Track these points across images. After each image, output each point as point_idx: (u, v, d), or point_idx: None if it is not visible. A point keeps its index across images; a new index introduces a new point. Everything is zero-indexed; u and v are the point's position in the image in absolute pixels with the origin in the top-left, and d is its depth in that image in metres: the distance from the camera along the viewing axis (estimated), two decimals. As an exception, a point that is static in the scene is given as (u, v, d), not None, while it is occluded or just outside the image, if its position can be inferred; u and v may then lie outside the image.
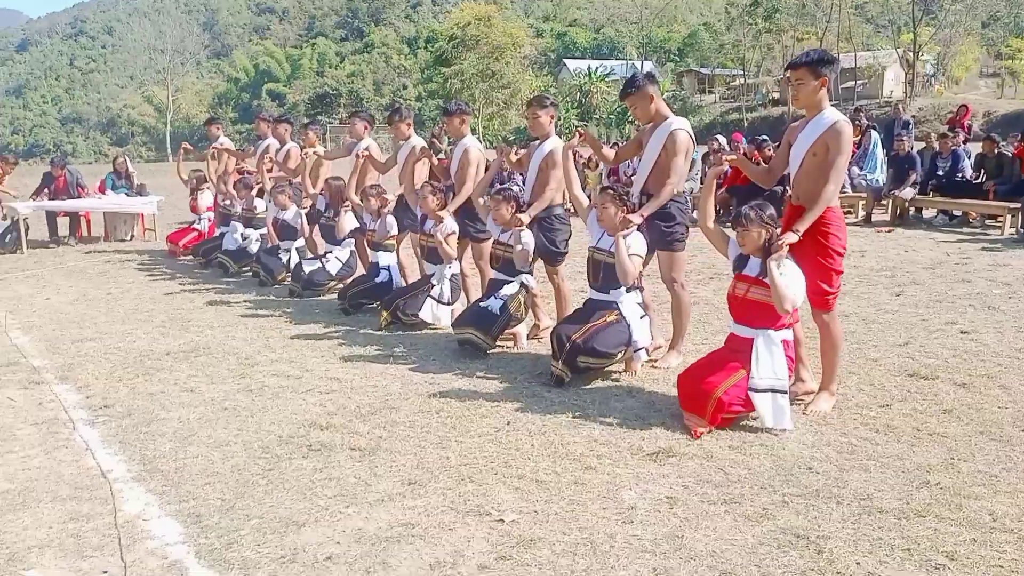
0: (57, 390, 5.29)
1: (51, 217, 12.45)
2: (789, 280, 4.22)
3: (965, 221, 11.88)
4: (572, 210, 6.13)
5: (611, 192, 5.24)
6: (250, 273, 9.36)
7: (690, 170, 9.70)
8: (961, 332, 6.07)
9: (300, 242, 9.01)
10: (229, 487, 3.79)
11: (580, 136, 5.51)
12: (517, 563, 3.06)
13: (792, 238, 4.25)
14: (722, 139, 14.84)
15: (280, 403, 4.94)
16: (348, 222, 8.15)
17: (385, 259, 7.40)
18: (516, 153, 6.66)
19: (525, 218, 5.80)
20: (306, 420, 4.63)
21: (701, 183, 13.93)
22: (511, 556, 3.10)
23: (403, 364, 5.71)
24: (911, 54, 51.00)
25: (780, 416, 4.28)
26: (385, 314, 6.71)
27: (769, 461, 3.91)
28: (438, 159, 8.03)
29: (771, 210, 4.39)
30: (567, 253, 6.18)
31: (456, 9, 71.33)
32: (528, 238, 5.82)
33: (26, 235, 11.70)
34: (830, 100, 4.60)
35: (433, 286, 6.71)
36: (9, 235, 11.57)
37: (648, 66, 63.97)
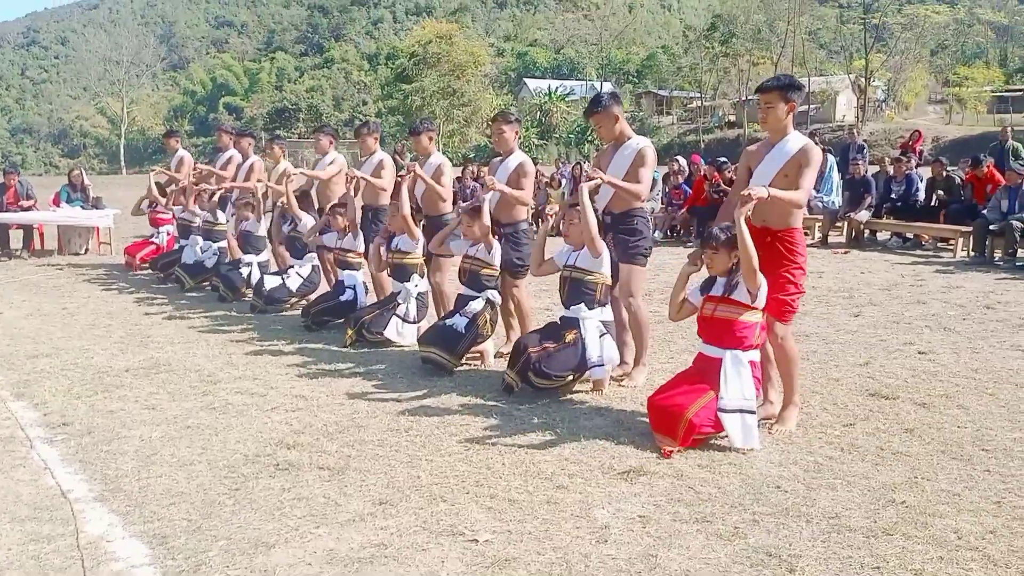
0: (13, 407, 5.15)
1: (3, 230, 12.15)
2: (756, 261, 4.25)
3: (918, 244, 12.17)
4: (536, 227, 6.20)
5: (578, 209, 5.28)
6: (209, 287, 9.22)
7: (651, 190, 9.81)
8: (919, 352, 6.20)
9: (263, 256, 8.91)
10: (195, 507, 3.71)
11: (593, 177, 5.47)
12: (492, 584, 3.04)
13: (762, 192, 4.22)
14: (682, 160, 15.05)
15: (245, 421, 4.87)
16: (306, 217, 8.12)
17: (351, 277, 7.35)
18: (479, 170, 6.72)
19: (496, 183, 5.82)
20: (272, 439, 4.56)
21: (660, 203, 14.11)
22: (486, 576, 3.09)
23: (369, 381, 5.66)
24: (863, 80, 52.35)
25: (749, 436, 4.33)
26: (350, 332, 6.65)
27: (738, 480, 3.94)
28: (400, 175, 8.00)
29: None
30: (527, 268, 6.21)
31: (417, 27, 71.64)
32: (496, 247, 5.89)
33: (-23, 248, 11.41)
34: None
35: (399, 304, 6.68)
36: (-41, 248, 11.27)
37: (607, 87, 64.70)
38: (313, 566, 3.18)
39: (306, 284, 8.20)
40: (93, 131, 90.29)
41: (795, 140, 4.57)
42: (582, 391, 5.32)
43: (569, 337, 5.18)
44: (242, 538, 3.41)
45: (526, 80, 76.22)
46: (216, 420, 4.89)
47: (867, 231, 12.43)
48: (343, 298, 7.26)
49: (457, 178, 14.04)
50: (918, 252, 11.75)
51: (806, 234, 12.99)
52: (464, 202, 10.20)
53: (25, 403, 5.24)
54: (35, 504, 3.77)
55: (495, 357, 6.17)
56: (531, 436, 4.55)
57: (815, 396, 5.16)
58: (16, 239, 12.38)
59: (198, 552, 3.29)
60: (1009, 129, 15.35)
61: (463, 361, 5.93)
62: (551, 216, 5.63)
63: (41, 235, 12.90)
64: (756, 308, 4.40)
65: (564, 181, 15.81)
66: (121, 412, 5.04)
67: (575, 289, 5.29)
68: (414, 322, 6.69)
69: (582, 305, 5.23)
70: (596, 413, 4.95)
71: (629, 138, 5.52)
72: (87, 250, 12.79)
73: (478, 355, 6.09)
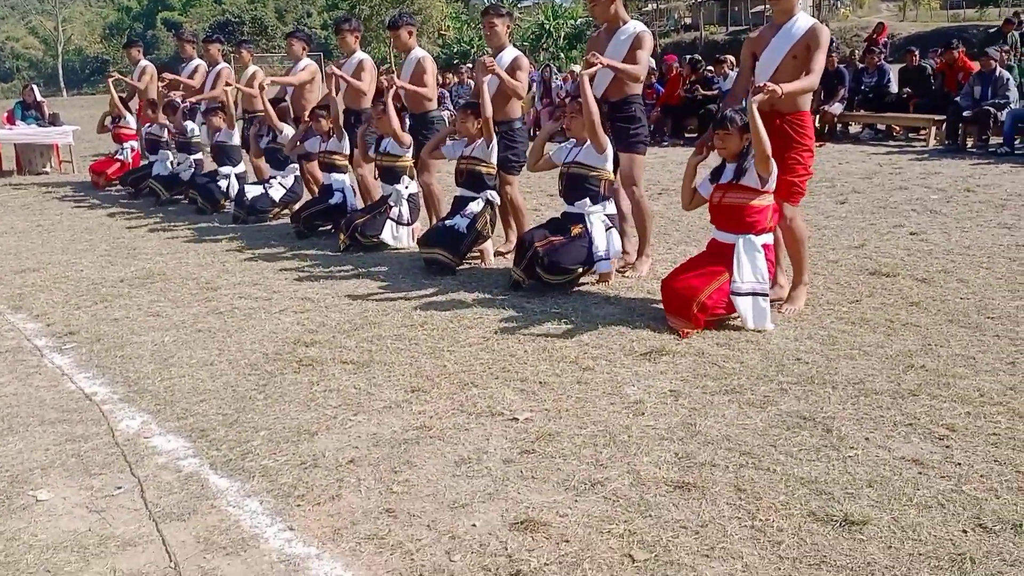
0: (12, 319, 5.03)
1: (-43, 151, 11.68)
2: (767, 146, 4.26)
3: (890, 135, 12.28)
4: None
5: (579, 103, 5.20)
6: (185, 200, 9.01)
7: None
8: (910, 234, 6.32)
9: (239, 167, 8.69)
10: (227, 403, 3.70)
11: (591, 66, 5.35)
12: (542, 456, 3.09)
13: (776, 88, 4.20)
14: (652, 60, 14.85)
15: (255, 323, 4.82)
16: (286, 129, 7.89)
17: (339, 180, 7.21)
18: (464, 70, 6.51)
19: (496, 67, 5.70)
20: (288, 338, 4.53)
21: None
22: (534, 450, 3.14)
23: (374, 282, 5.62)
24: (818, -22, 51.78)
25: (760, 318, 4.39)
26: (343, 236, 6.57)
27: (759, 355, 4.03)
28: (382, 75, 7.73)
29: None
30: (523, 164, 6.15)
31: (362, -69, 68.69)
32: (493, 144, 5.82)
33: (-68, 170, 10.97)
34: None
35: (391, 207, 6.59)
36: (-87, 170, 10.81)
37: (560, -9, 63.14)
38: (360, 449, 3.21)
39: (289, 194, 8.04)
40: (26, 53, 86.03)
41: (803, 20, 4.53)
42: (588, 283, 5.35)
43: (576, 231, 5.17)
44: (282, 427, 3.42)
45: (477, -14, 74.06)
46: (226, 323, 4.84)
47: (839, 124, 12.47)
48: (332, 201, 7.14)
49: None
50: (891, 143, 11.86)
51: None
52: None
53: (24, 315, 5.12)
54: (61, 407, 3.73)
55: (494, 256, 6.15)
56: (547, 325, 4.58)
57: (818, 277, 5.24)
58: (-29, 160, 11.92)
59: (241, 442, 3.30)
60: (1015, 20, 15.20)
61: (464, 261, 5.90)
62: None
63: (-2, 155, 12.43)
64: (767, 192, 4.41)
65: (534, 86, 15.53)
66: (126, 320, 4.96)
67: (577, 185, 5.25)
68: (408, 224, 6.62)
69: (587, 200, 5.20)
70: (607, 302, 4.99)
71: (625, 22, 5.41)
72: (49, 169, 12.36)
73: (478, 254, 6.07)
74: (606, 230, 5.25)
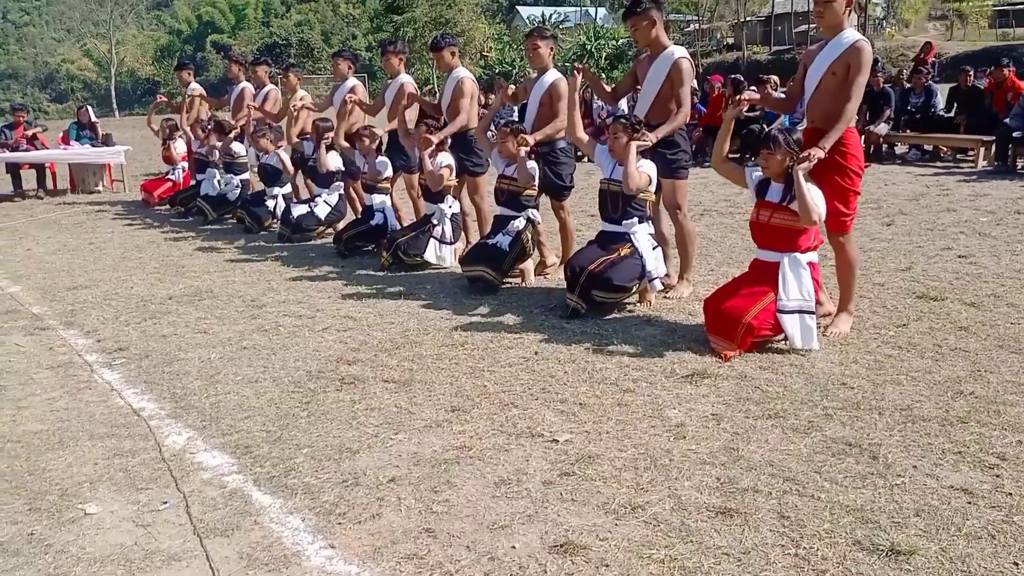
0: (65, 335, 5.16)
1: (15, 170, 12.02)
2: (814, 194, 4.26)
3: (937, 155, 12.08)
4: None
5: (623, 122, 5.21)
6: (233, 220, 9.17)
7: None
8: (959, 256, 6.20)
9: (287, 188, 8.84)
10: (270, 420, 3.75)
11: (580, 73, 5.46)
12: (582, 478, 3.08)
13: (819, 153, 4.26)
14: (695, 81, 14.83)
15: (299, 341, 4.88)
16: (331, 159, 7.98)
17: (379, 201, 7.29)
18: (506, 88, 6.53)
19: (531, 139, 5.76)
20: (331, 356, 4.59)
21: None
22: (574, 472, 3.13)
23: (415, 302, 5.66)
24: (862, -3, 51.28)
25: (808, 337, 4.35)
26: (385, 255, 6.63)
27: (802, 379, 3.98)
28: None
29: (798, 135, 4.41)
30: (572, 187, 6.17)
31: (406, -45, 69.73)
32: (533, 166, 5.81)
33: (-10, 188, 11.32)
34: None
35: (435, 225, 6.64)
36: (-28, 188, 11.16)
37: (602, 13, 63.38)
38: (401, 468, 3.22)
39: (334, 213, 8.15)
40: (80, 74, 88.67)
41: (848, 36, 4.48)
42: (630, 303, 5.33)
43: (625, 251, 5.15)
44: (325, 445, 3.45)
45: (519, 8, 74.61)
46: (271, 341, 4.91)
47: (885, 145, 12.31)
48: (373, 222, 7.22)
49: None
50: (938, 163, 11.67)
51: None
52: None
53: (76, 331, 5.25)
54: (110, 422, 3.80)
55: (535, 276, 6.16)
56: (587, 346, 4.58)
57: (864, 300, 5.17)
58: (28, 179, 12.26)
59: (284, 459, 3.34)
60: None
61: (506, 279, 5.92)
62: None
63: (53, 174, 12.75)
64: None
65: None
66: (174, 336, 5.06)
67: (617, 201, 5.24)
68: (450, 243, 6.67)
69: (635, 219, 5.19)
70: (647, 324, 4.97)
71: (665, 47, 5.42)
72: (101, 188, 12.68)
73: (520, 273, 6.09)
74: (652, 248, 5.24)
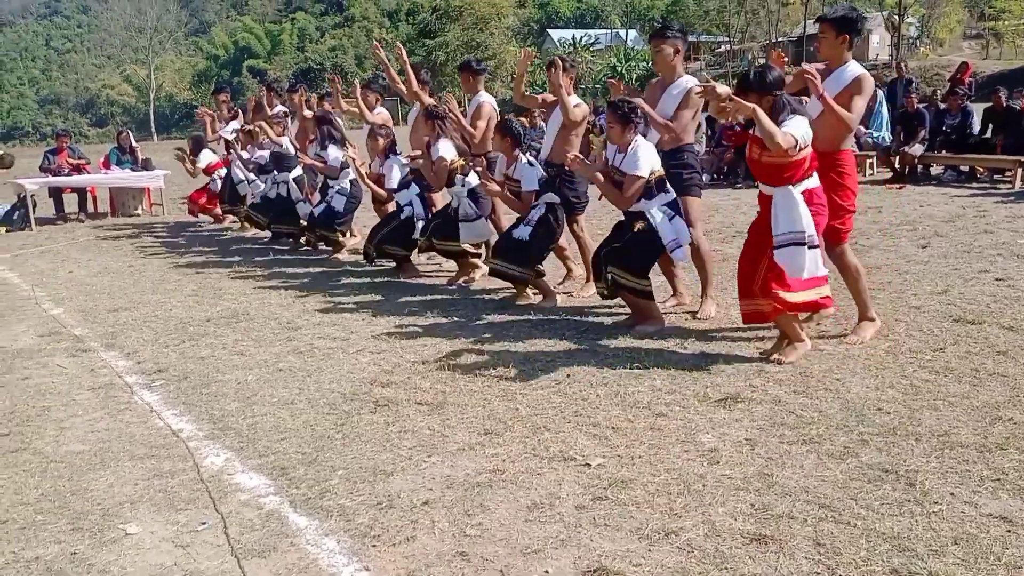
0: (105, 357, 5.27)
1: (57, 194, 12.32)
2: (789, 125, 4.24)
3: (973, 176, 11.94)
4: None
5: (618, 112, 5.22)
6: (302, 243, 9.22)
7: (696, 131, 9.76)
8: (996, 279, 6.12)
9: (296, 171, 8.97)
10: (306, 441, 3.79)
11: (614, 88, 5.58)
12: (615, 503, 3.09)
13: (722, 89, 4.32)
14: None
15: (334, 363, 4.94)
16: (332, 151, 8.16)
17: (405, 195, 7.31)
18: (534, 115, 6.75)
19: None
20: (365, 378, 4.64)
21: (706, 146, 13.94)
22: (607, 497, 3.13)
23: (447, 322, 5.71)
24: (896, 17, 50.95)
25: (795, 267, 4.37)
26: (422, 240, 6.92)
27: (838, 404, 3.95)
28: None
29: (776, 72, 4.41)
30: (587, 202, 6.37)
31: (439, -20, 70.55)
32: (530, 171, 6.06)
33: (34, 212, 11.58)
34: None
35: (456, 209, 6.72)
36: (17, 212, 11.45)
37: (633, 34, 63.63)
38: (434, 491, 3.25)
39: (351, 201, 8.27)
40: (120, 99, 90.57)
41: (851, 70, 4.73)
42: (671, 324, 5.33)
43: (638, 225, 5.17)
44: (359, 467, 3.49)
45: (549, 31, 75.11)
46: (306, 363, 4.97)
47: (920, 166, 12.20)
48: (403, 216, 7.27)
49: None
50: (975, 185, 11.54)
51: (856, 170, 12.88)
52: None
53: (116, 353, 5.35)
54: (150, 443, 3.87)
55: (557, 289, 6.35)
56: (619, 369, 4.58)
57: (899, 324, 5.12)
58: (70, 203, 12.55)
59: (319, 481, 3.38)
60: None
61: (536, 270, 6.00)
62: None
63: (94, 198, 13.06)
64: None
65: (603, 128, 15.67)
66: (211, 358, 5.14)
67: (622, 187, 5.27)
68: (476, 217, 6.66)
69: (641, 200, 5.21)
70: (680, 346, 4.97)
71: (679, 76, 5.56)
72: (140, 211, 12.94)
73: (540, 291, 6.15)
74: (669, 219, 5.25)
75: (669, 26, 5.49)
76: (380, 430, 3.89)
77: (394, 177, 7.32)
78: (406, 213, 7.27)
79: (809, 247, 4.39)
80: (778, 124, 4.24)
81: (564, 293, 6.36)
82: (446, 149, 6.62)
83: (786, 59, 5.35)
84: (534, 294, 6.17)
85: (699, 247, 5.56)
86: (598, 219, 8.32)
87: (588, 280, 6.16)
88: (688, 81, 5.47)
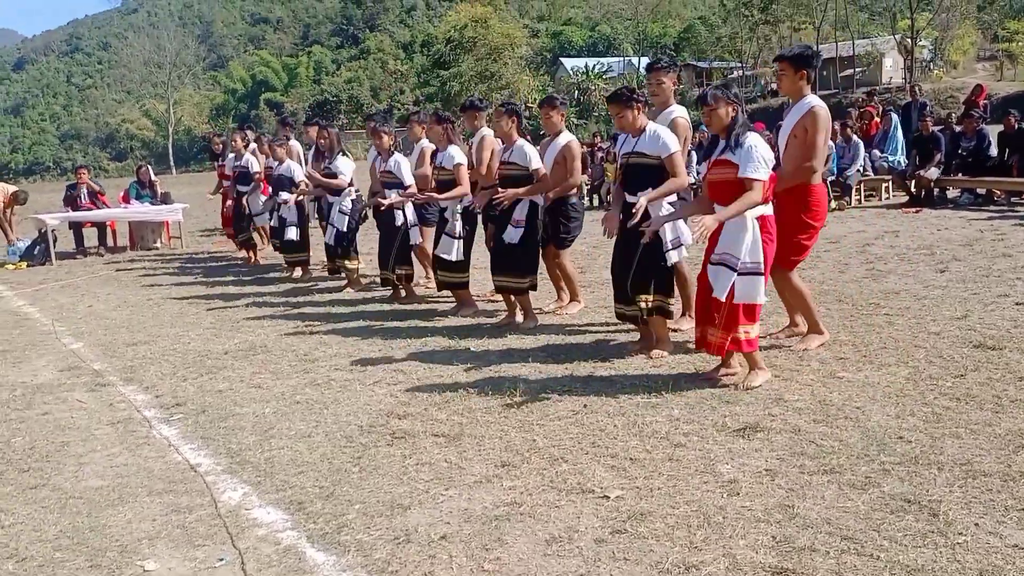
0: (124, 391, 5.30)
1: (77, 228, 12.47)
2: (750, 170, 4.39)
3: (990, 199, 11.87)
4: (587, 202, 6.42)
5: (621, 101, 5.22)
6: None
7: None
8: (1016, 304, 6.07)
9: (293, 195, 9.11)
10: (323, 475, 3.79)
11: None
12: (634, 536, 3.06)
13: (710, 222, 4.37)
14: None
15: (350, 395, 4.95)
16: (343, 163, 8.35)
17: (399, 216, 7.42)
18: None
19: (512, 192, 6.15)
20: (382, 410, 4.64)
21: (697, 176, 13.94)
22: (626, 530, 3.11)
23: (463, 353, 5.71)
24: (908, 40, 50.98)
25: (720, 287, 4.49)
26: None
27: (858, 433, 3.91)
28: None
29: (735, 89, 4.58)
30: (573, 240, 6.56)
31: (451, 12, 71.44)
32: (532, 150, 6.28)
33: (54, 246, 11.72)
34: (815, 89, 5.32)
35: (446, 221, 6.79)
36: (38, 247, 11.59)
37: (645, 62, 63.98)
38: (452, 525, 3.23)
39: (353, 218, 8.34)
40: (139, 133, 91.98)
41: (806, 102, 5.00)
42: (679, 346, 5.31)
43: (645, 239, 5.05)
44: (376, 501, 3.48)
45: (562, 60, 75.65)
46: (323, 395, 4.98)
47: (936, 189, 12.15)
48: (398, 223, 7.42)
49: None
50: (992, 208, 11.47)
51: (872, 195, 12.85)
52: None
53: (135, 387, 5.39)
54: (168, 478, 3.88)
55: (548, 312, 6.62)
56: (636, 399, 4.56)
57: (919, 350, 5.08)
58: (90, 237, 12.69)
59: (337, 515, 3.37)
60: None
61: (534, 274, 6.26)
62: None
63: (114, 232, 13.21)
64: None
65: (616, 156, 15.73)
66: (229, 391, 5.16)
67: (639, 174, 5.24)
68: (459, 237, 6.72)
69: (649, 189, 5.17)
70: (697, 375, 4.94)
71: (670, 106, 5.75)
72: (159, 245, 13.07)
73: (524, 312, 6.36)
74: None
75: (668, 60, 5.93)
76: (397, 463, 3.88)
77: (404, 171, 7.48)
78: (398, 220, 7.38)
79: (753, 274, 4.48)
80: (736, 138, 4.47)
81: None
82: (458, 154, 6.81)
83: None
84: (520, 313, 6.42)
85: (680, 271, 5.69)
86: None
87: (571, 301, 6.76)
88: (675, 110, 5.68)
